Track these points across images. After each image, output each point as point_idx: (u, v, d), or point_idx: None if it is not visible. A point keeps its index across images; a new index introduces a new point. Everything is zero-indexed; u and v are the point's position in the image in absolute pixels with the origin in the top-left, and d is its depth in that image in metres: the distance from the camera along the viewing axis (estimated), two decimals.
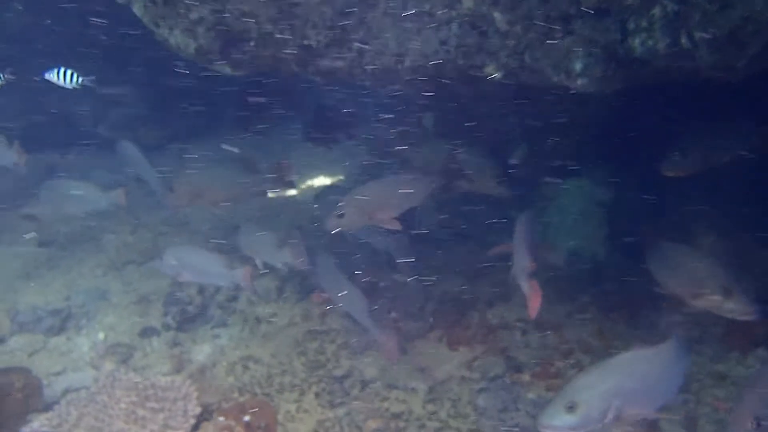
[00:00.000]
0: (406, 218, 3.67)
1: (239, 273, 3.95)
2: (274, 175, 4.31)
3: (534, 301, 3.22)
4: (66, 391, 3.73)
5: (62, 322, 4.50)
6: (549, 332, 4.07)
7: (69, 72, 3.92)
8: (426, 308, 4.33)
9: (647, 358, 2.63)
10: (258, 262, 4.35)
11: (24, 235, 4.84)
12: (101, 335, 4.42)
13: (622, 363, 2.63)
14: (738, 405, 2.55)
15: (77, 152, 6.70)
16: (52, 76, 3.94)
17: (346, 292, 3.89)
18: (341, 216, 3.49)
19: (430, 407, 3.69)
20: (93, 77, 3.98)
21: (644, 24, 2.57)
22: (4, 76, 4.09)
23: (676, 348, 2.71)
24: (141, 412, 3.05)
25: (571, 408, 2.45)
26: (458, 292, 4.43)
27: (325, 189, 5.41)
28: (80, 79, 3.94)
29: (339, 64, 3.08)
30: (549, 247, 4.17)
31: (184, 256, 4.05)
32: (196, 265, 4.02)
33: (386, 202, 3.53)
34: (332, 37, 3.01)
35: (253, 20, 3.01)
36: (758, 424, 2.29)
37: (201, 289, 4.62)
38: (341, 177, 6.12)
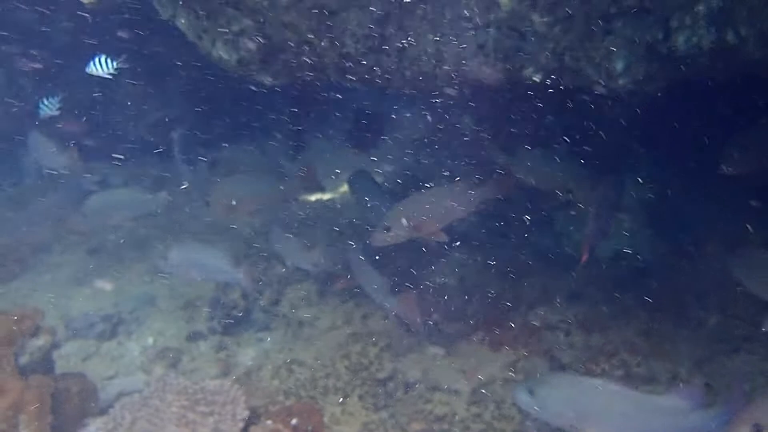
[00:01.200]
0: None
1: (241, 272, 4.10)
2: (303, 181, 4.40)
3: (582, 257, 3.55)
4: (119, 395, 3.85)
5: (113, 327, 4.64)
6: (593, 333, 4.03)
7: (103, 58, 3.99)
8: (468, 309, 4.33)
9: (632, 399, 2.54)
10: (288, 263, 4.52)
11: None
12: (150, 340, 4.55)
13: (598, 390, 2.60)
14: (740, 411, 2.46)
15: (124, 160, 6.89)
16: (91, 69, 4.02)
17: (365, 270, 4.02)
18: (387, 229, 3.51)
19: (474, 409, 3.69)
20: (124, 56, 4.05)
21: (688, 21, 2.53)
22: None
23: (677, 402, 2.51)
24: (192, 415, 3.13)
25: (531, 392, 2.65)
26: (500, 293, 4.42)
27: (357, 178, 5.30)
28: (114, 63, 4.01)
29: (377, 70, 3.11)
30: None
31: (190, 254, 4.18)
32: (202, 262, 4.14)
33: (433, 214, 3.52)
34: (370, 44, 3.04)
35: (293, 30, 3.06)
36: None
37: (244, 294, 4.70)
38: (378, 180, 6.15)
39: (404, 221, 3.46)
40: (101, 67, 4.00)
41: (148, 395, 3.25)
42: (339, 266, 4.58)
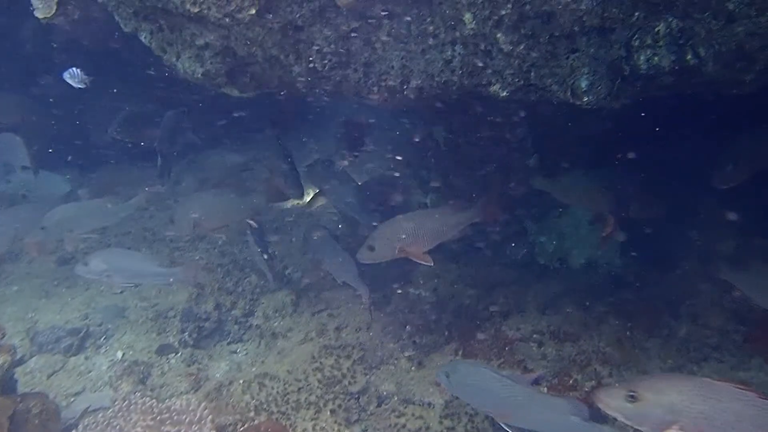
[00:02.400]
0: None
1: (182, 270, 4.02)
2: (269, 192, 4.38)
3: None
4: (85, 412, 3.78)
5: (81, 341, 4.56)
6: (566, 343, 4.03)
7: (76, 70, 4.03)
8: (442, 321, 4.31)
9: (524, 392, 2.89)
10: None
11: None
12: (119, 354, 4.47)
13: (496, 379, 2.92)
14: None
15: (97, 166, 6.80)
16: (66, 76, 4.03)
17: (336, 255, 4.11)
18: (372, 248, 3.49)
19: (447, 422, 3.67)
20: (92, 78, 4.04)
21: (649, 41, 2.54)
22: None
23: (563, 405, 2.82)
24: None
25: (447, 376, 3.04)
26: (474, 304, 4.41)
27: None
28: (87, 77, 4.03)
29: (345, 85, 3.08)
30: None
31: (113, 259, 3.99)
32: (128, 266, 3.98)
33: (418, 235, 3.50)
34: (337, 59, 3.01)
35: (259, 45, 3.01)
36: (631, 397, 2.35)
37: (217, 305, 4.64)
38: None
39: (389, 240, 3.44)
40: (75, 77, 4.00)
41: (112, 415, 3.20)
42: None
